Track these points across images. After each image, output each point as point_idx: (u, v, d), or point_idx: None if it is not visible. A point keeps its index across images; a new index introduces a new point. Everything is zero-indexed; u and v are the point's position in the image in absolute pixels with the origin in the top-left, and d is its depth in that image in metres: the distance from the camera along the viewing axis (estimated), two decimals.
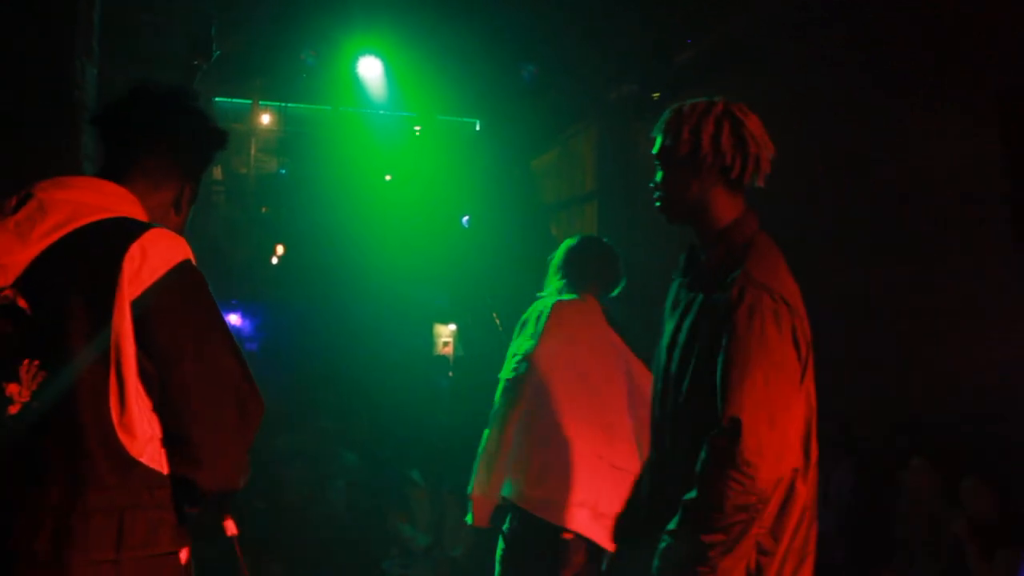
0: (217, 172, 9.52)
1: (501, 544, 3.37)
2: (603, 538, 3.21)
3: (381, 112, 9.33)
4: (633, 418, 3.37)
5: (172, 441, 1.67)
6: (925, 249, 5.22)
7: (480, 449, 3.37)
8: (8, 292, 1.63)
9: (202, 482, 1.70)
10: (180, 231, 1.90)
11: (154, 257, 1.65)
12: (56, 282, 1.63)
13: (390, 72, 8.25)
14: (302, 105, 9.62)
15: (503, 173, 10.53)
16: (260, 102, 9.56)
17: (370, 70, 8.19)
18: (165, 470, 1.67)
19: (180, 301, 1.68)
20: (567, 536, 3.22)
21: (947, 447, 4.88)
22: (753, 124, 2.34)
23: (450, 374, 10.19)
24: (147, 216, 1.79)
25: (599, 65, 7.98)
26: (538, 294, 3.65)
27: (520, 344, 3.41)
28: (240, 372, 1.73)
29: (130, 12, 6.48)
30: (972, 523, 4.42)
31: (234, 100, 9.62)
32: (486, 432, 3.38)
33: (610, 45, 7.45)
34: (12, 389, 1.63)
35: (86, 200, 1.71)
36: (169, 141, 1.85)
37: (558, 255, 3.69)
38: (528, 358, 3.34)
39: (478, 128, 10.60)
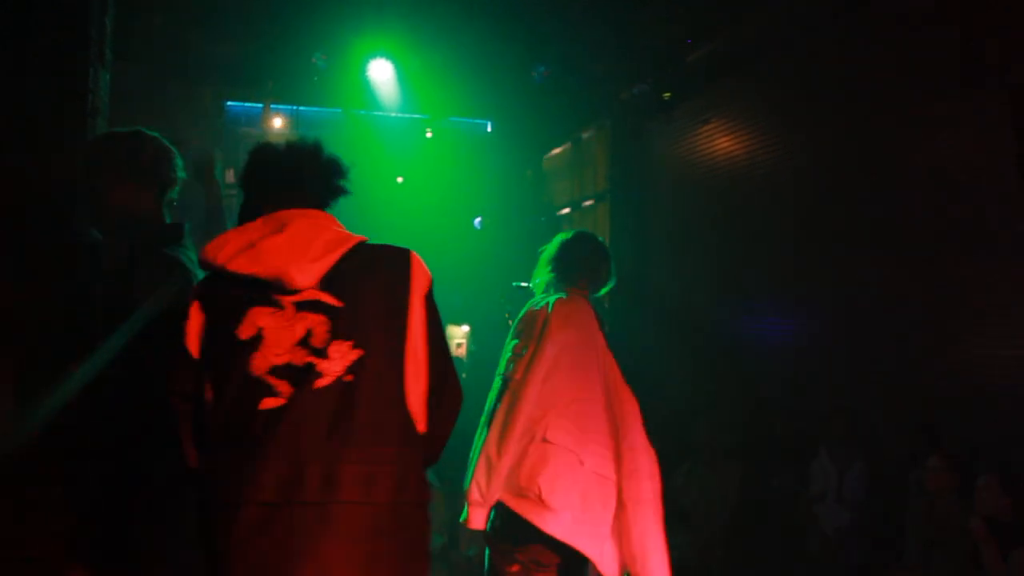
0: (229, 176, 9.53)
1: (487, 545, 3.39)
2: (584, 544, 3.21)
3: (392, 114, 9.34)
4: (610, 423, 3.35)
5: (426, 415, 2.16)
6: (934, 245, 5.20)
7: (476, 448, 3.35)
8: (311, 291, 2.04)
9: (434, 455, 2.24)
10: None
11: (423, 267, 2.20)
12: (361, 282, 2.09)
13: (401, 74, 8.27)
14: (313, 108, 9.64)
15: (515, 174, 10.53)
16: (272, 106, 9.58)
17: (381, 72, 8.20)
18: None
19: (436, 307, 2.23)
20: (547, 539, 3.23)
21: (961, 446, 4.86)
22: None
23: (463, 375, 10.18)
24: None
25: (610, 65, 7.97)
26: (516, 284, 3.65)
27: (518, 344, 3.40)
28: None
29: (142, 16, 6.50)
30: (988, 523, 4.39)
31: (246, 104, 9.65)
32: (482, 431, 3.37)
33: (621, 45, 7.44)
34: (323, 365, 2.00)
35: (333, 227, 2.17)
36: (333, 186, 2.28)
37: (551, 248, 3.68)
38: (529, 360, 3.33)
39: (489, 129, 10.59)
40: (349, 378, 2.01)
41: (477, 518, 3.32)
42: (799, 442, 5.93)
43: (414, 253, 2.21)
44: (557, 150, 10.29)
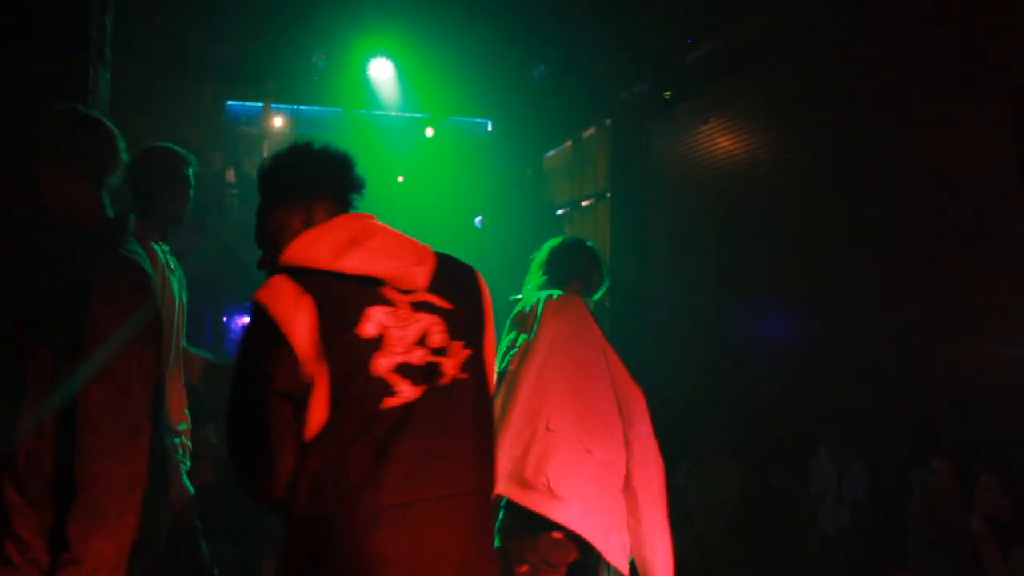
0: (230, 175, 9.55)
1: (497, 542, 3.37)
2: (592, 533, 3.21)
3: (393, 113, 9.35)
4: (617, 413, 3.36)
5: None
6: (934, 245, 5.20)
7: None
8: (421, 292, 2.11)
9: None
10: None
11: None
12: (454, 286, 2.18)
13: (401, 73, 8.27)
14: (314, 107, 9.65)
15: (515, 173, 10.53)
16: (272, 105, 9.59)
17: (381, 71, 8.21)
18: None
19: None
20: (557, 535, 3.22)
21: (961, 446, 4.86)
22: None
23: None
24: None
25: (610, 65, 7.97)
26: (512, 298, 3.64)
27: (513, 338, 3.41)
28: None
29: (142, 16, 6.50)
30: (988, 522, 4.40)
31: (246, 103, 9.65)
32: None
33: (621, 45, 7.44)
34: (445, 364, 2.08)
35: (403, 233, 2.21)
36: (349, 199, 2.29)
37: (541, 253, 3.70)
38: (523, 351, 3.33)
39: (490, 128, 10.59)
40: (463, 376, 2.11)
41: None
42: (799, 442, 5.93)
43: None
44: (557, 149, 10.29)
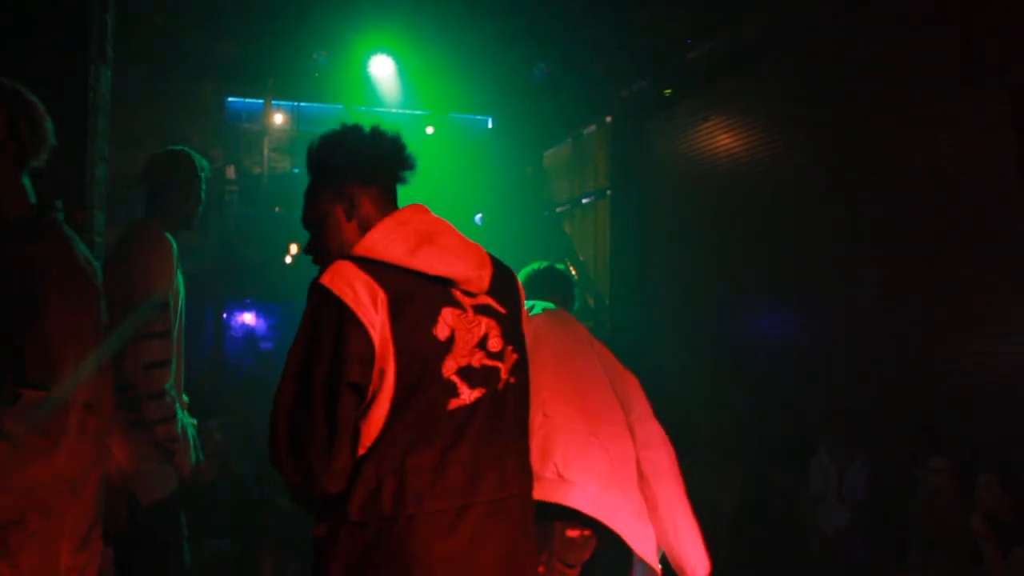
0: (230, 171, 9.55)
1: None
2: (613, 519, 3.15)
3: (393, 110, 9.34)
4: (616, 399, 3.33)
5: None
6: (934, 245, 5.20)
7: None
8: (483, 295, 2.11)
9: None
10: None
11: None
12: (506, 291, 2.19)
13: (402, 70, 8.27)
14: (315, 104, 9.65)
15: (515, 171, 10.54)
16: (273, 102, 9.58)
17: (382, 68, 8.21)
18: None
19: None
20: (572, 533, 3.18)
21: (961, 445, 4.86)
22: None
23: None
24: None
25: (610, 65, 7.97)
26: None
27: None
28: None
29: (142, 15, 6.50)
30: (988, 520, 4.41)
31: (247, 100, 9.65)
32: None
33: (621, 45, 7.44)
34: (501, 369, 2.11)
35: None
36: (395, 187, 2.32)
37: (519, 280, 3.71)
38: None
39: (490, 126, 10.60)
40: (513, 380, 2.14)
41: None
42: (799, 442, 5.94)
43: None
44: (558, 147, 10.29)
